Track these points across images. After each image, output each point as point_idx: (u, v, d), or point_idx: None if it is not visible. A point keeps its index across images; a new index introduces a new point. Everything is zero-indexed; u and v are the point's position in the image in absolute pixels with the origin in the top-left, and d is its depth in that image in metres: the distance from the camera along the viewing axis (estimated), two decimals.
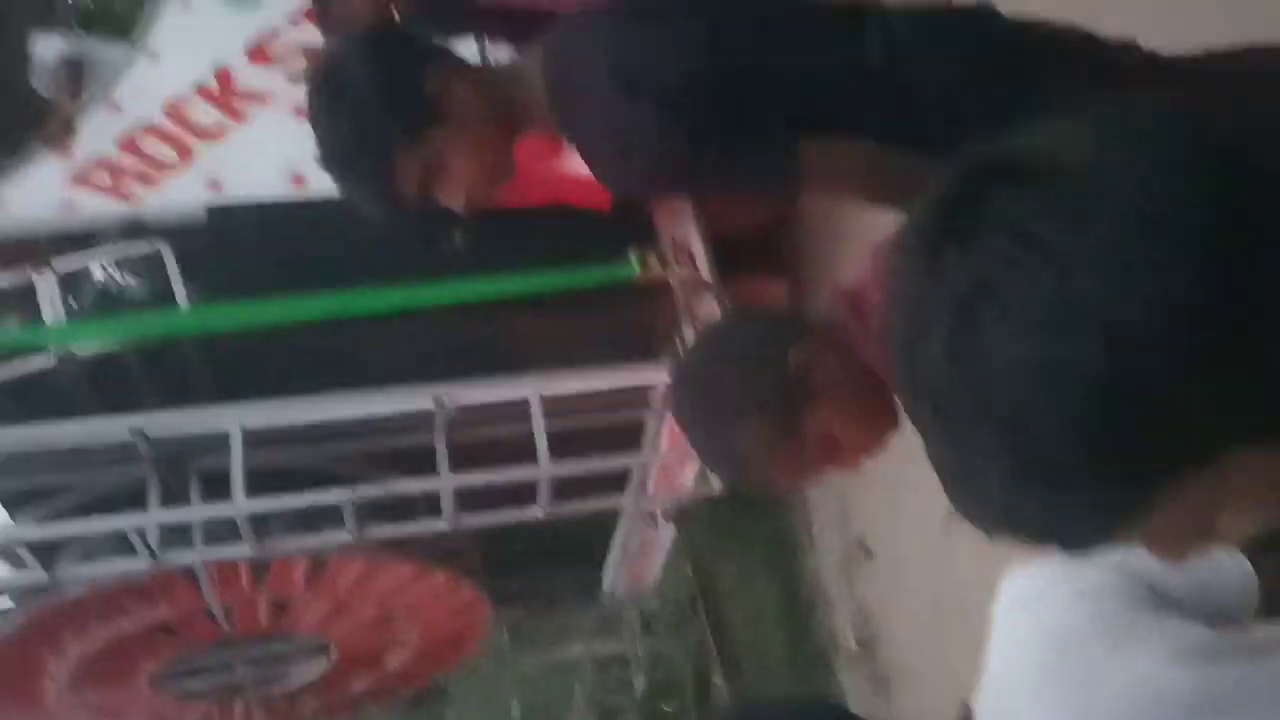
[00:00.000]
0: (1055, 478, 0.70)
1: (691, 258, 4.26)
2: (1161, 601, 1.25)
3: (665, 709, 7.12)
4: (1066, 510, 0.72)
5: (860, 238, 4.38)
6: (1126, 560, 1.29)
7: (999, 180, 0.72)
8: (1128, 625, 1.18)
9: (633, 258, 4.09)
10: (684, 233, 4.33)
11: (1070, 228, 0.68)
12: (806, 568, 5.35)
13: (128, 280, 4.28)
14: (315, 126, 1.80)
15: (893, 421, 1.76)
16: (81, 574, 4.04)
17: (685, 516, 5.82)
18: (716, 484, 4.30)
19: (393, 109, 1.76)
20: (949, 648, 4.01)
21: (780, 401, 1.66)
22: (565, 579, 6.56)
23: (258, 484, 3.76)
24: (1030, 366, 0.68)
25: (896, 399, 1.74)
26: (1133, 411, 0.67)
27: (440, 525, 4.07)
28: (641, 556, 6.12)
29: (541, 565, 6.04)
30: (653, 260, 4.13)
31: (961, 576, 3.91)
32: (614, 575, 6.27)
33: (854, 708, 4.08)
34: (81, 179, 4.29)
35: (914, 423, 0.77)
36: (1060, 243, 0.68)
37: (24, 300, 4.13)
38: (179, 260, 4.03)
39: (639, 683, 6.98)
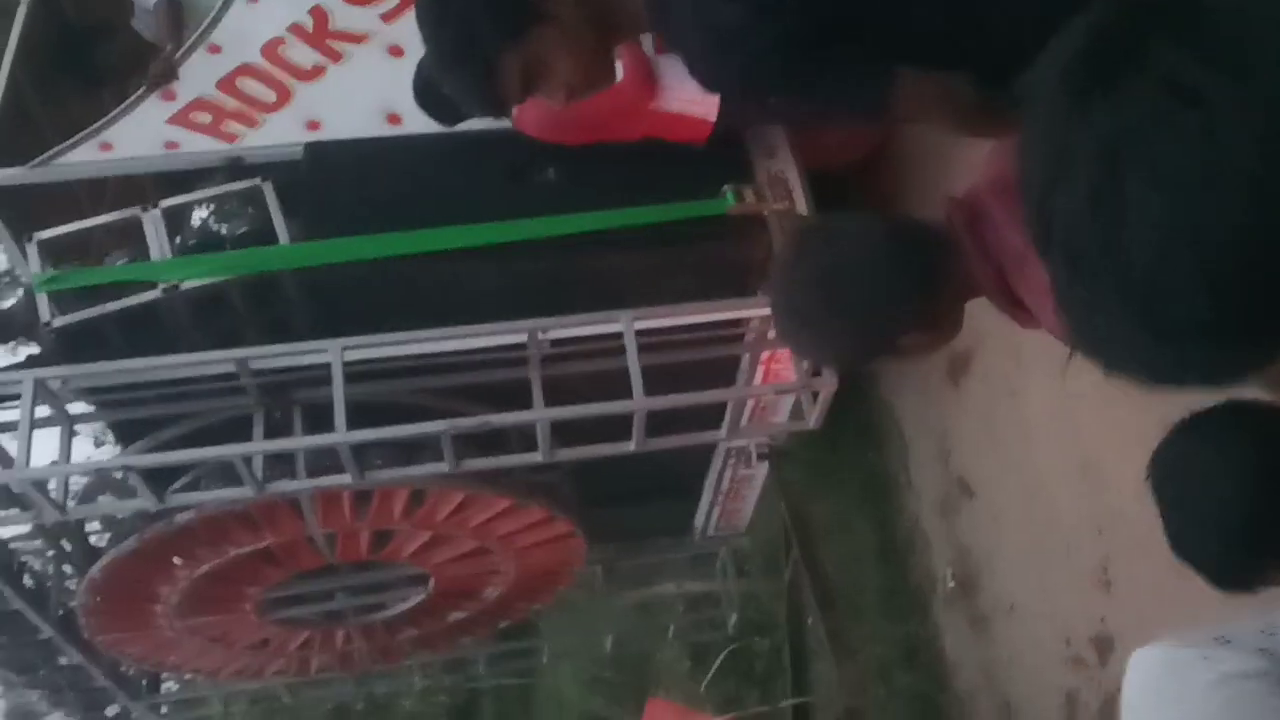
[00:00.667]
0: (1186, 330, 0.69)
1: (788, 192, 4.19)
2: None
3: (757, 648, 7.16)
4: (1193, 360, 0.71)
5: (958, 172, 4.27)
6: (1271, 644, 1.24)
7: (1155, 24, 0.69)
8: (1270, 713, 1.13)
9: (728, 192, 4.04)
10: (780, 167, 4.26)
11: (1227, 84, 0.65)
12: (904, 507, 5.29)
13: (230, 218, 4.36)
14: (422, 30, 1.82)
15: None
16: (190, 500, 4.18)
17: (779, 455, 5.80)
18: (812, 420, 4.28)
19: (495, 11, 1.77)
20: (1051, 586, 3.94)
21: (874, 356, 1.68)
22: (658, 517, 6.62)
23: (358, 418, 3.83)
24: (1173, 221, 0.67)
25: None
26: (1272, 272, 0.66)
27: (535, 458, 4.12)
28: (734, 495, 6.13)
29: (635, 503, 6.08)
30: (748, 194, 4.07)
31: (1065, 514, 3.83)
32: (707, 514, 6.31)
33: (951, 647, 4.02)
34: (183, 120, 4.37)
35: (1044, 266, 0.75)
36: (1216, 98, 0.65)
37: (131, 238, 4.25)
38: (279, 198, 4.09)
39: (731, 621, 7.03)
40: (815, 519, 6.29)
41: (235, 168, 4.26)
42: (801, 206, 4.12)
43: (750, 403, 4.80)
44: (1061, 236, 0.72)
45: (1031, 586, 4.12)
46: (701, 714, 4.28)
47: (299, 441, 3.99)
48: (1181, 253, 0.66)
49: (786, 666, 6.49)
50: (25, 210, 4.44)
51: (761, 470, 5.86)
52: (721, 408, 4.40)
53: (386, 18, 4.49)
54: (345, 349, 3.84)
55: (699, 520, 6.40)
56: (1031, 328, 1.63)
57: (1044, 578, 4.00)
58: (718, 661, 6.85)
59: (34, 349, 4.35)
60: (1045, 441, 3.92)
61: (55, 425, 4.17)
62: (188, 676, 6.27)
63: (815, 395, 4.20)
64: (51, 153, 4.32)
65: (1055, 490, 3.89)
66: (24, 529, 5.42)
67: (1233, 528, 1.35)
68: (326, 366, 3.83)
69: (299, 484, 4.10)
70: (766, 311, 4.19)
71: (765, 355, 4.50)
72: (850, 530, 5.81)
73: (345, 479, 4.04)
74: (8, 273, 7.31)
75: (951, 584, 4.73)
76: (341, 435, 3.79)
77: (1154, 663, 1.28)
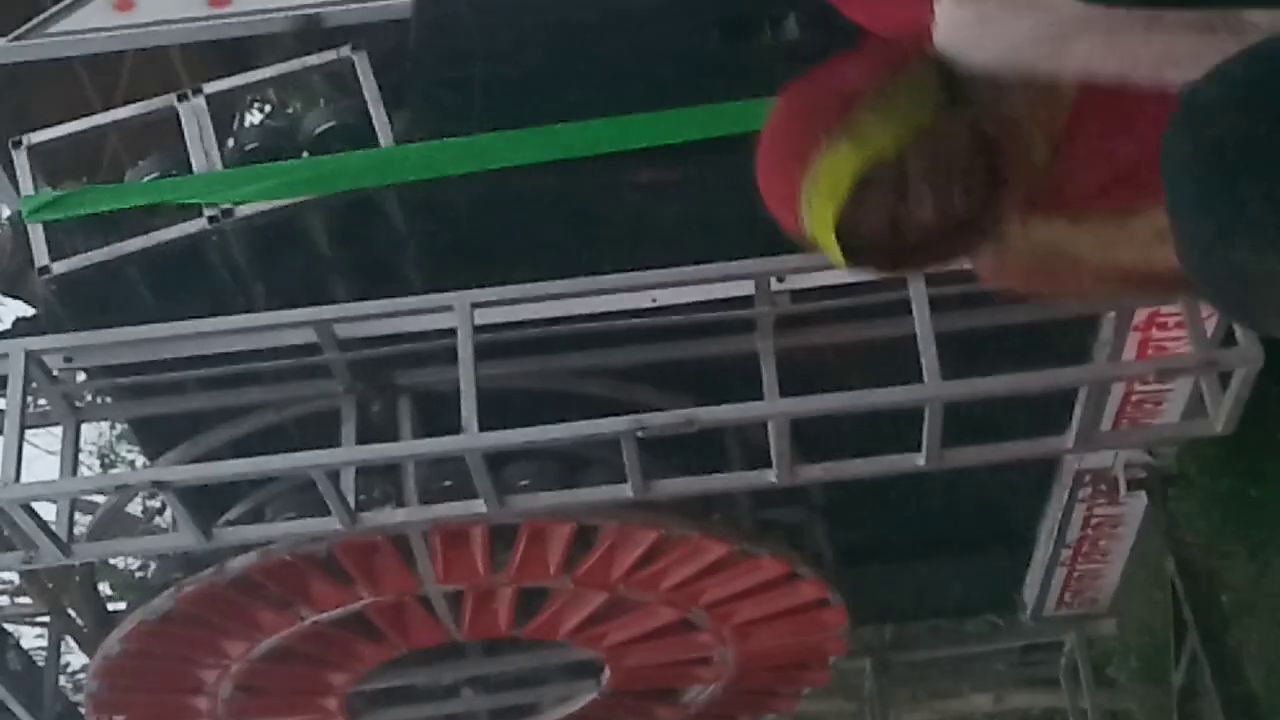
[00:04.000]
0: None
1: None
2: None
3: None
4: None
5: None
6: None
7: None
8: None
9: None
10: None
11: None
12: None
13: (306, 109, 4.62)
14: None
15: None
16: (249, 536, 4.48)
17: (1165, 483, 5.73)
18: (1220, 422, 4.23)
19: None
20: None
21: None
22: (962, 584, 6.63)
23: (494, 411, 4.01)
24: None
25: None
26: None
27: (768, 477, 4.23)
28: (1089, 550, 6.10)
29: (924, 560, 6.12)
30: None
31: None
32: (1043, 581, 6.28)
33: None
34: None
35: None
36: None
37: (162, 141, 4.57)
38: (377, 77, 4.32)
39: None
40: (1228, 590, 6.20)
41: (312, 33, 4.51)
42: None
43: (1116, 394, 4.78)
44: None
45: None
46: None
47: (409, 447, 4.24)
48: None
49: None
50: (12, 104, 4.83)
51: (1135, 508, 5.81)
52: (1066, 403, 4.41)
53: None
54: (476, 307, 4.05)
55: (1030, 591, 6.39)
56: None
57: None
58: None
59: (24, 310, 4.70)
60: None
61: (55, 424, 4.55)
62: None
63: (1225, 379, 4.16)
64: (44, 17, 4.67)
65: None
66: (8, 580, 5.90)
67: None
68: (449, 334, 4.05)
69: (408, 513, 4.35)
70: None
71: (1140, 316, 4.47)
72: None
73: (477, 506, 4.25)
74: None
75: None
76: (472, 438, 3.99)
77: None
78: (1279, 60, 1.57)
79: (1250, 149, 1.49)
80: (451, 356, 4.03)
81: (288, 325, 4.20)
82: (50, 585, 5.59)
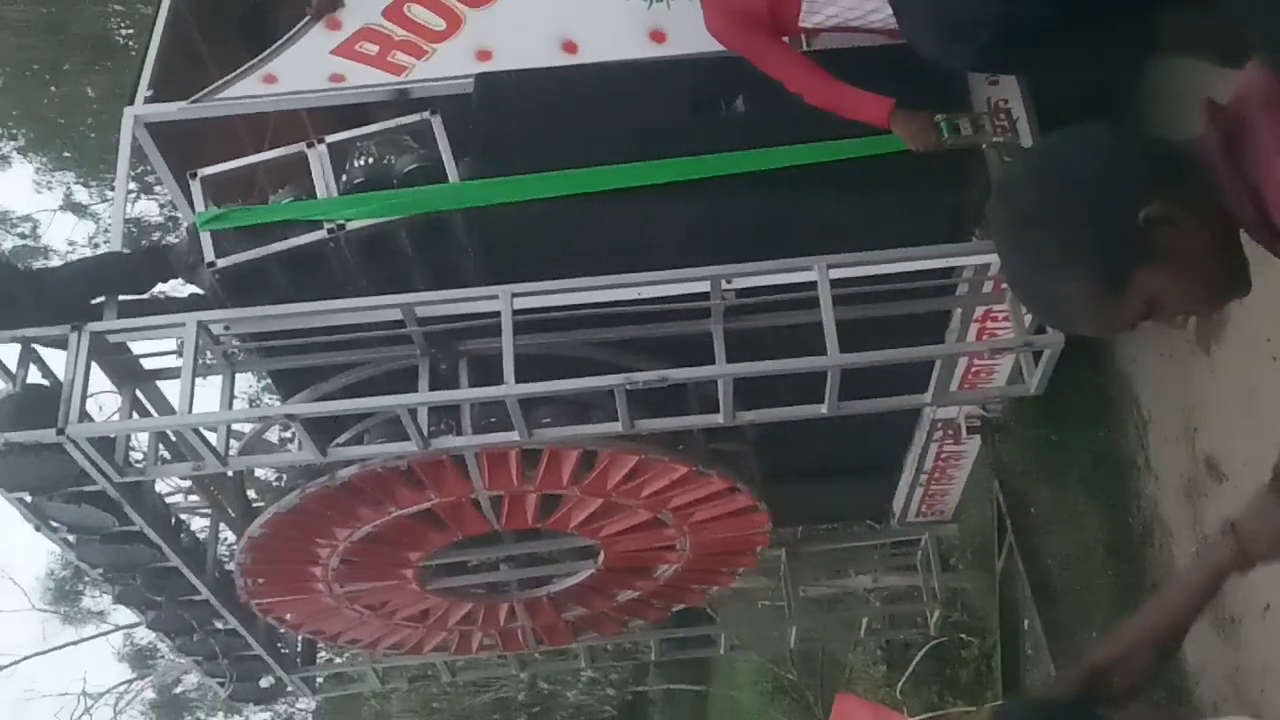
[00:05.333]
0: None
1: (1011, 122, 4.14)
2: None
3: (963, 650, 7.11)
4: None
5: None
6: None
7: None
8: None
9: (941, 123, 4.00)
10: (1003, 94, 4.20)
11: None
12: (1141, 492, 5.15)
13: (397, 155, 4.59)
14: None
15: (1237, 292, 1.70)
16: (354, 454, 4.47)
17: (993, 430, 5.73)
18: (1033, 385, 4.23)
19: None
20: None
21: (1115, 256, 1.63)
22: (851, 499, 6.65)
23: (528, 371, 4.02)
24: None
25: (1245, 271, 1.68)
26: None
27: (716, 419, 4.22)
28: (940, 476, 6.11)
29: (825, 481, 6.13)
30: (964, 125, 4.02)
31: None
32: (907, 497, 6.30)
33: (1193, 654, 3.95)
34: (349, 51, 4.62)
35: None
36: None
37: (296, 176, 4.53)
38: (448, 133, 4.28)
39: (933, 619, 6.99)
40: (1035, 505, 6.21)
41: (403, 101, 4.50)
42: (1027, 139, 4.07)
43: (961, 365, 4.78)
44: None
45: None
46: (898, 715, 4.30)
47: (466, 393, 4.22)
48: None
49: (997, 672, 6.44)
50: (187, 148, 4.80)
51: (972, 447, 5.82)
52: (926, 372, 4.40)
53: None
54: (515, 295, 4.04)
55: (898, 504, 6.41)
56: None
57: None
58: (916, 660, 6.84)
59: (197, 291, 4.68)
60: None
61: (216, 373, 4.54)
62: (344, 647, 6.66)
63: (1037, 356, 4.16)
64: (213, 87, 4.64)
65: None
66: (181, 484, 5.88)
67: None
68: (495, 315, 4.04)
69: (465, 440, 4.34)
70: (980, 260, 4.18)
71: (979, 311, 4.48)
72: (1076, 518, 5.70)
73: (512, 436, 4.24)
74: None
75: None
76: (509, 388, 3.98)
77: None
78: None
79: None
80: (497, 330, 4.02)
81: (382, 307, 4.19)
82: (211, 488, 5.57)
